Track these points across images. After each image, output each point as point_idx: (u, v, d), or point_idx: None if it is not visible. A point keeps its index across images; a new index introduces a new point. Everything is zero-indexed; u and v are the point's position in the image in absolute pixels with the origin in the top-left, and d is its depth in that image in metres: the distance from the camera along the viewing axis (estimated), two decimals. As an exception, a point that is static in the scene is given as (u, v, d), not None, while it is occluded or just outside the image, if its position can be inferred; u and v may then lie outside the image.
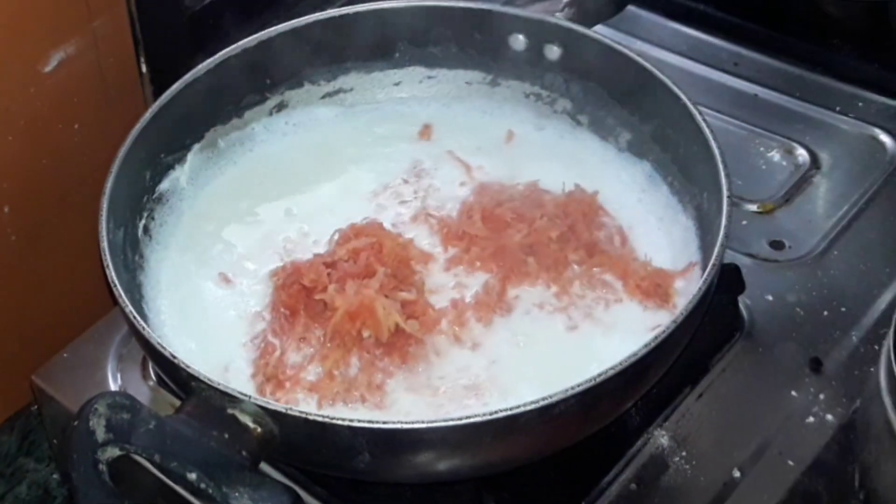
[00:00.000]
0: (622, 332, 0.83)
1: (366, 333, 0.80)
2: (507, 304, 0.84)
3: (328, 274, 0.83)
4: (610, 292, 0.85)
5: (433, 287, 0.85)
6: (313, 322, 0.82)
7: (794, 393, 0.87)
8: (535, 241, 0.87)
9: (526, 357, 0.81)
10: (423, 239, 0.89)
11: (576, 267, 0.86)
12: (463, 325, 0.83)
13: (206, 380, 0.70)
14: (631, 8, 1.19)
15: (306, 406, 0.78)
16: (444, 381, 0.80)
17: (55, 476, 1.11)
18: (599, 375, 0.69)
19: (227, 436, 0.68)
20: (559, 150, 0.99)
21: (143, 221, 0.89)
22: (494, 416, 0.68)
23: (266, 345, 0.82)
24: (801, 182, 1.05)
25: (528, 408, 0.68)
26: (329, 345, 0.81)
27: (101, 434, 0.65)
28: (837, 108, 1.12)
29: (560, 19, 0.97)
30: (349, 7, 0.98)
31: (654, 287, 0.84)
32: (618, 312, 0.84)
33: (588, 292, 0.85)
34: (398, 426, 0.69)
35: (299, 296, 0.83)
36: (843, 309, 0.93)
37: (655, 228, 0.91)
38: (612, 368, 0.69)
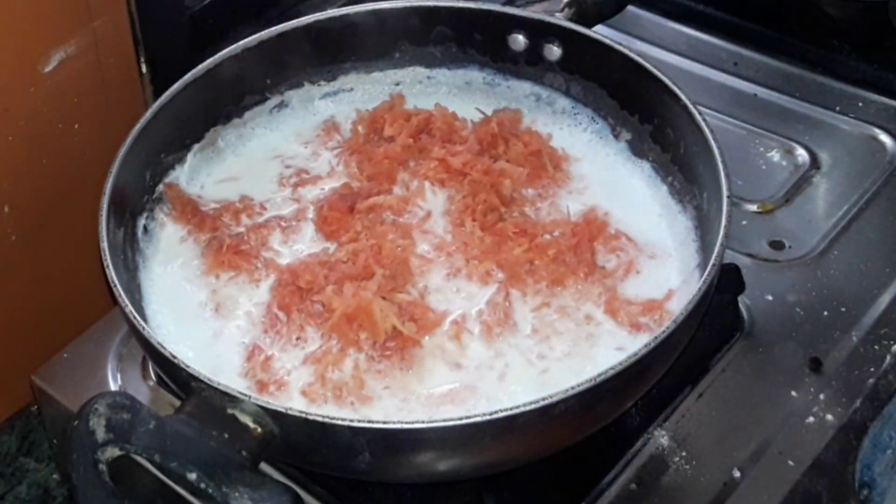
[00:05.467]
0: (616, 354, 0.80)
1: (362, 335, 0.80)
2: (509, 320, 0.83)
3: (325, 276, 0.83)
4: (601, 323, 0.83)
5: (432, 292, 0.85)
6: (308, 323, 0.82)
7: (794, 393, 0.87)
8: (535, 256, 0.86)
9: (522, 374, 0.80)
10: (422, 245, 0.89)
11: (574, 288, 0.85)
12: (463, 335, 0.82)
13: (206, 380, 0.70)
14: (631, 8, 1.18)
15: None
16: (437, 385, 0.79)
17: (55, 476, 1.11)
18: (599, 375, 0.69)
19: (227, 436, 0.68)
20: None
21: (143, 221, 0.89)
22: (494, 416, 0.68)
23: (254, 347, 0.81)
24: (801, 182, 1.05)
25: (528, 408, 0.68)
26: (325, 346, 0.80)
27: (101, 434, 0.65)
28: (837, 108, 1.12)
29: (560, 19, 0.97)
30: (349, 7, 0.98)
31: (643, 317, 0.83)
32: (609, 335, 0.82)
33: (584, 313, 0.84)
34: (399, 426, 0.69)
35: (294, 297, 0.83)
36: (843, 309, 0.93)
37: (655, 229, 0.91)
38: (611, 368, 0.69)
